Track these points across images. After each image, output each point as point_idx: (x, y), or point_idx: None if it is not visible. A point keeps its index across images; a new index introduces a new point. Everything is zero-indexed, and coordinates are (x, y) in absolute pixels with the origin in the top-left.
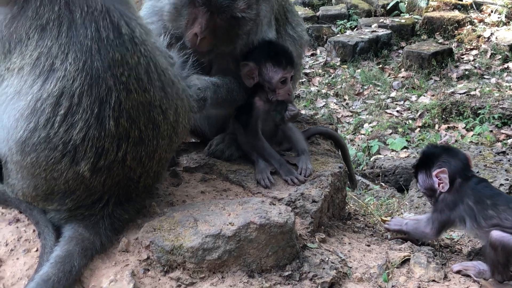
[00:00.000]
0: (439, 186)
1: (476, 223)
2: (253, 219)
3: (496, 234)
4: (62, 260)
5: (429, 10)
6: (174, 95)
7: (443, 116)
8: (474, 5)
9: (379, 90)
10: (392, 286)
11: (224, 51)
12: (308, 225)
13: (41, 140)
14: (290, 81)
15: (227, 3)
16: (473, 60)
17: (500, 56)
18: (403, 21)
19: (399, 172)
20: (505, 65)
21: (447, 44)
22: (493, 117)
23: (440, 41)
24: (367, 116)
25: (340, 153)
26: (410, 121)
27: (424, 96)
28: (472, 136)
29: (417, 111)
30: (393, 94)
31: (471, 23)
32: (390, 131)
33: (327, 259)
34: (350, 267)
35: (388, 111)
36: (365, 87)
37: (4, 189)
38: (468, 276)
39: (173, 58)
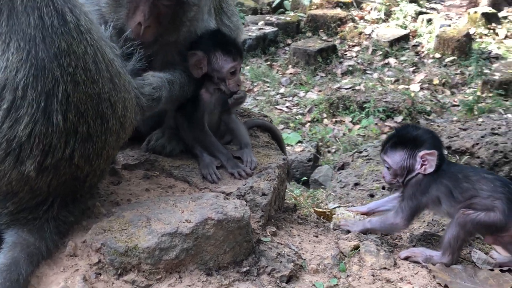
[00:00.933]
0: (421, 167)
1: (453, 198)
2: (210, 215)
3: (464, 211)
4: (7, 269)
5: (312, 8)
6: (122, 88)
7: (331, 111)
8: (354, 3)
9: (268, 87)
10: (347, 275)
11: (168, 41)
12: (259, 218)
13: None
14: (239, 72)
15: None
16: (356, 56)
17: (381, 52)
18: (288, 18)
19: (295, 166)
20: (386, 61)
21: (331, 41)
22: (378, 111)
23: (324, 38)
24: (259, 112)
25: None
26: (300, 116)
27: (311, 91)
28: (358, 129)
29: (306, 106)
30: (282, 90)
31: (353, 20)
32: (282, 126)
33: (283, 252)
34: (304, 259)
35: (278, 107)
36: (255, 84)
37: None
38: (416, 262)
39: (117, 49)
